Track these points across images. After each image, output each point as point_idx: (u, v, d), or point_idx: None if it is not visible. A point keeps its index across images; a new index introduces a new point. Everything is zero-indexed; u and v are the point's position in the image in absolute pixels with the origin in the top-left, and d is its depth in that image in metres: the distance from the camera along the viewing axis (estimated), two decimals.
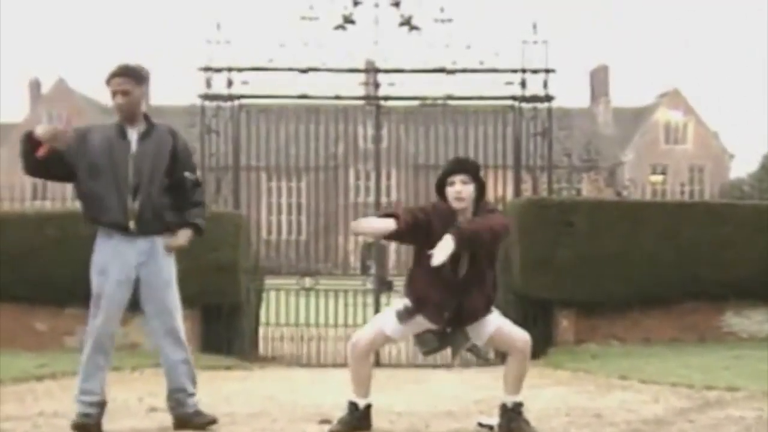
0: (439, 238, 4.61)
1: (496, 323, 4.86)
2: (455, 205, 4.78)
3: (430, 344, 4.97)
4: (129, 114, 5.16)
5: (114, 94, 5.13)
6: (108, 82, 5.16)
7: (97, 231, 5.22)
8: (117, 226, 5.12)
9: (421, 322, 4.86)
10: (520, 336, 4.85)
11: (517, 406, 4.92)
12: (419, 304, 4.82)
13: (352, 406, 4.94)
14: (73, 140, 5.00)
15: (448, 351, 5.15)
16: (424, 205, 5.03)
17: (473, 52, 11.30)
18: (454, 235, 4.54)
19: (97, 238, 5.20)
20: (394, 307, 4.95)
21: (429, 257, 4.58)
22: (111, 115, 5.27)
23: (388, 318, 4.94)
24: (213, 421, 5.24)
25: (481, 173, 4.92)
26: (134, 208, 5.10)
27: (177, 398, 5.26)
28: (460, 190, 4.77)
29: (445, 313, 4.76)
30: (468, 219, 4.77)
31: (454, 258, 4.63)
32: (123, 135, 5.16)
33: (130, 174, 5.09)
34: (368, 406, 4.95)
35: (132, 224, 5.11)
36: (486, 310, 4.86)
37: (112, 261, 5.13)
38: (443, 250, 4.52)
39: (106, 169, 5.07)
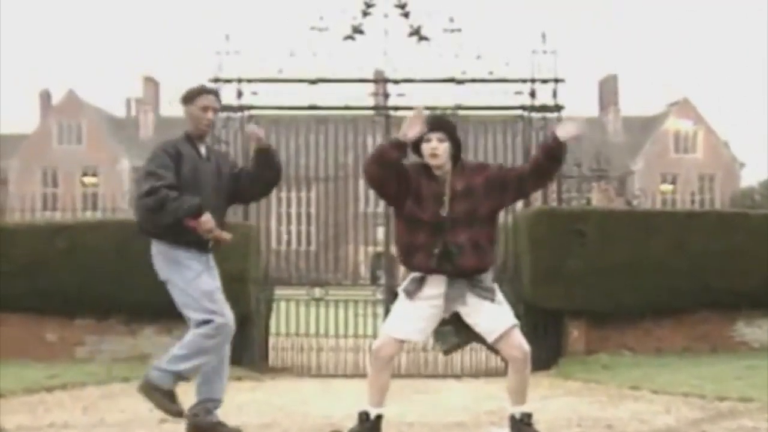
0: (416, 192, 4.79)
1: (505, 326, 4.80)
2: (431, 161, 4.84)
3: (449, 341, 4.95)
4: (207, 132, 5.31)
5: (205, 109, 5.25)
6: (197, 96, 5.27)
7: (158, 246, 5.19)
8: (201, 246, 5.17)
9: (430, 294, 4.81)
10: (519, 346, 4.81)
11: (526, 417, 4.88)
12: (408, 254, 4.83)
13: (363, 416, 4.90)
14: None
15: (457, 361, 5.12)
16: None
17: (483, 62, 11.30)
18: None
19: (176, 250, 5.14)
20: (401, 289, 4.93)
21: (409, 211, 4.77)
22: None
23: (399, 318, 4.86)
24: None
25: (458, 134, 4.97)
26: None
27: (208, 407, 5.28)
28: (436, 146, 4.83)
29: (434, 250, 4.74)
30: (445, 175, 4.84)
31: (438, 198, 4.77)
32: (199, 153, 5.25)
33: (212, 193, 5.19)
34: (379, 417, 4.92)
35: (210, 243, 5.21)
36: (480, 263, 4.80)
37: (195, 266, 5.17)
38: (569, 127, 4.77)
39: (195, 187, 5.10)
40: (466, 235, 4.77)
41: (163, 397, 5.05)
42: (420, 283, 4.83)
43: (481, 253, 4.82)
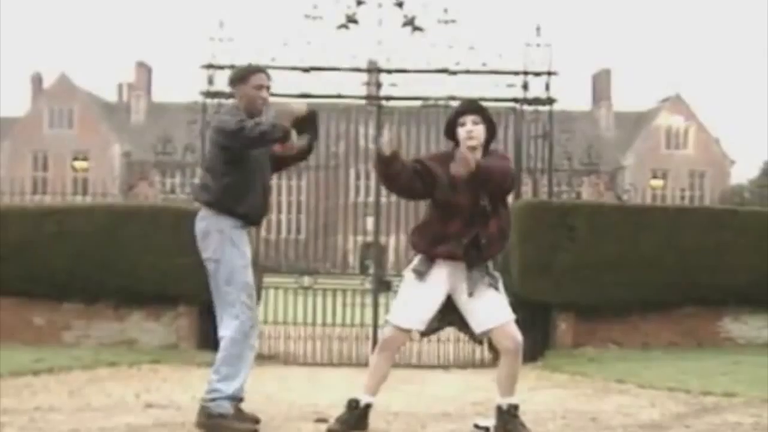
0: (444, 181, 4.71)
1: (504, 318, 4.81)
2: (467, 143, 4.83)
3: (430, 324, 4.95)
4: (262, 111, 5.22)
5: (260, 87, 5.16)
6: (250, 75, 5.18)
7: (212, 221, 5.12)
8: (256, 221, 5.25)
9: (439, 275, 4.81)
10: (513, 337, 4.82)
11: (513, 408, 4.89)
12: (435, 243, 4.79)
13: (352, 403, 4.90)
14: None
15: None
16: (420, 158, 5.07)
17: (476, 53, 11.30)
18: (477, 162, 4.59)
19: (233, 230, 5.08)
20: (410, 269, 4.89)
21: (444, 199, 4.72)
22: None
23: (405, 306, 4.85)
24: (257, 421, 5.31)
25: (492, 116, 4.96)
26: (265, 203, 5.24)
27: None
28: (472, 129, 4.84)
29: (464, 239, 4.74)
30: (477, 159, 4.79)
31: (475, 192, 4.70)
32: None
33: (266, 172, 5.21)
34: (368, 406, 4.92)
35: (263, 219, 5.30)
36: (502, 249, 4.87)
37: (248, 253, 5.19)
38: (465, 164, 4.53)
39: (252, 163, 5.08)
40: (495, 224, 4.80)
41: (232, 421, 5.01)
42: (432, 262, 4.82)
43: (504, 240, 4.89)
